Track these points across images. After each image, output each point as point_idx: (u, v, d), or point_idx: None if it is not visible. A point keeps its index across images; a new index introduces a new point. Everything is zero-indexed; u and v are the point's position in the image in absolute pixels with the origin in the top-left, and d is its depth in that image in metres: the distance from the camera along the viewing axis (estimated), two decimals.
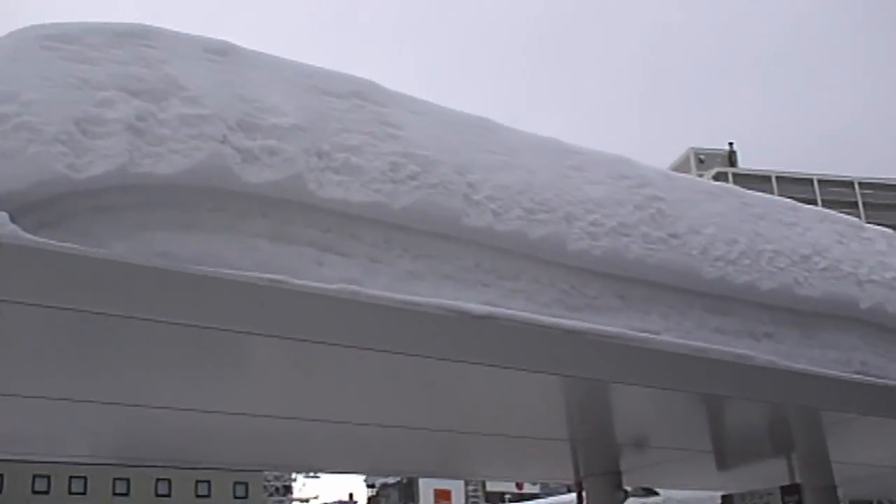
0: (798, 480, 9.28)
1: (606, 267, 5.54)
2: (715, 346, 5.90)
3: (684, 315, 5.88)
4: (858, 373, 6.76)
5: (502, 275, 5.14)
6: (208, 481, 64.53)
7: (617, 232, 5.60)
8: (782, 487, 8.66)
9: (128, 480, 61.83)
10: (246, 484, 66.40)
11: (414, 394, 6.13)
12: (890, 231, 7.80)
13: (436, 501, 59.12)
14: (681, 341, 5.72)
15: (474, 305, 4.81)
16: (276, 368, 5.40)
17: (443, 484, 59.26)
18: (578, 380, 5.60)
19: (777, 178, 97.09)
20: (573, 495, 9.40)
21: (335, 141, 4.70)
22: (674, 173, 6.57)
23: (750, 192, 7.04)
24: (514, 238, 5.15)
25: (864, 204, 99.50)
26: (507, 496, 53.83)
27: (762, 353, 6.16)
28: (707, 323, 5.98)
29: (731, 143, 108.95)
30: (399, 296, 4.60)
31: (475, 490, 62.06)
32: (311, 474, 77.73)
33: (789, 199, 7.33)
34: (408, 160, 4.90)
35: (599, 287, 5.52)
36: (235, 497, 65.85)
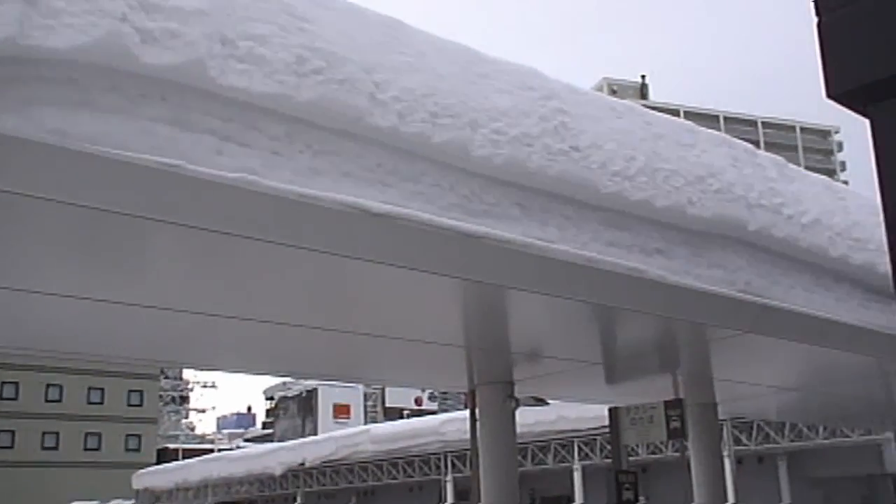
0: (681, 396, 9.69)
1: (507, 175, 5.61)
2: (608, 259, 6.07)
3: (580, 227, 6.02)
4: (742, 292, 7.05)
5: (404, 176, 5.17)
6: (102, 388, 63.68)
7: (520, 141, 5.66)
8: (666, 402, 9.05)
9: (16, 384, 60.54)
10: (141, 392, 65.77)
11: (313, 291, 6.18)
12: (781, 159, 8.06)
13: (334, 415, 59.71)
14: (576, 251, 5.87)
15: (373, 203, 4.85)
16: (174, 258, 5.38)
17: (342, 398, 59.85)
18: (475, 284, 5.72)
19: (685, 112, 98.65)
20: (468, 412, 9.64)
21: (240, 29, 4.61)
22: (580, 88, 6.64)
23: (652, 112, 7.17)
24: (417, 140, 5.17)
25: (766, 143, 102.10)
26: (406, 412, 54.64)
27: (653, 267, 6.37)
28: (602, 236, 6.13)
29: (643, 76, 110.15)
30: (299, 189, 4.61)
31: (374, 405, 62.91)
32: (209, 384, 77.56)
33: (689, 122, 7.50)
34: (314, 54, 4.85)
35: (499, 194, 5.59)
36: (129, 405, 65.20)
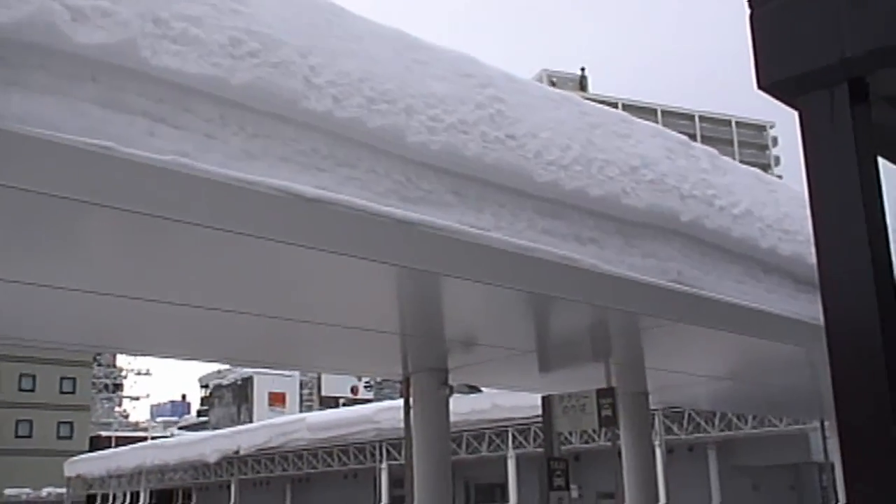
0: (614, 385, 9.81)
1: (443, 162, 5.62)
2: (542, 247, 6.12)
3: (516, 215, 6.06)
4: (674, 282, 7.16)
5: (339, 161, 5.15)
6: (33, 375, 62.50)
7: (456, 128, 5.68)
8: (598, 390, 9.15)
9: None
10: (74, 379, 64.69)
11: (246, 276, 6.12)
12: (714, 151, 8.20)
13: (270, 404, 59.32)
14: (510, 239, 5.91)
15: (307, 188, 4.82)
16: (106, 242, 5.29)
17: (277, 387, 59.48)
18: (409, 271, 5.72)
19: (623, 105, 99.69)
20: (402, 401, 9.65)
21: (175, 9, 4.55)
22: (517, 76, 6.68)
23: (588, 102, 7.24)
24: (352, 126, 5.16)
25: (703, 137, 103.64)
26: (342, 400, 54.46)
27: (586, 256, 6.44)
28: (536, 224, 6.18)
29: (582, 69, 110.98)
30: (232, 172, 4.56)
31: (310, 393, 62.62)
32: (143, 371, 76.49)
33: (625, 112, 7.58)
34: (249, 37, 4.80)
35: (435, 181, 5.60)
36: (62, 392, 64.10)
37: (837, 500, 16.39)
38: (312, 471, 34.56)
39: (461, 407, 27.08)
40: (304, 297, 6.75)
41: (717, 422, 25.37)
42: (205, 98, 4.61)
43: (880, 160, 3.34)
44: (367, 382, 58.04)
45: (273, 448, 34.48)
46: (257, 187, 4.61)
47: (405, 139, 5.39)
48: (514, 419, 26.83)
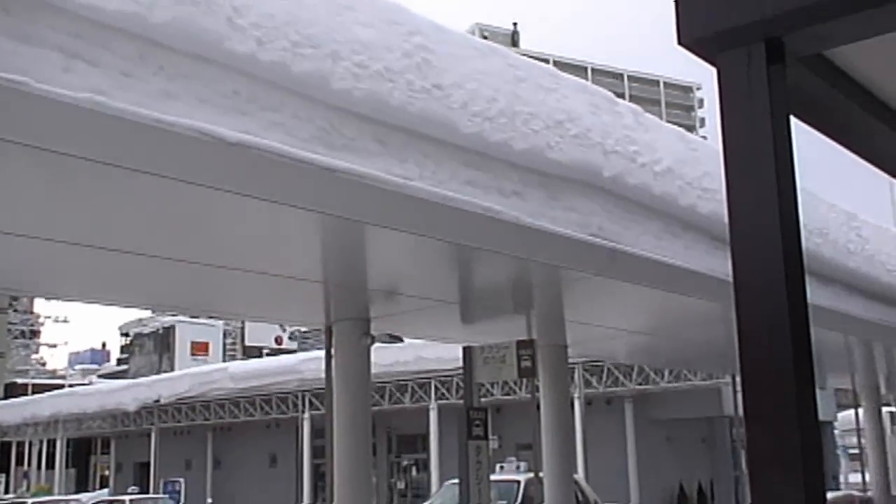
0: (534, 337, 9.96)
1: (368, 110, 5.59)
2: (466, 198, 6.15)
3: (440, 165, 6.06)
4: (595, 236, 7.26)
5: (262, 105, 5.08)
6: None
7: (382, 76, 5.64)
8: (518, 342, 9.27)
9: None
10: None
11: (167, 221, 6.04)
12: (638, 108, 8.29)
13: (192, 353, 58.72)
14: (434, 189, 5.92)
15: (229, 132, 4.76)
16: (20, 181, 5.16)
17: (200, 336, 58.89)
18: (332, 218, 5.70)
19: (554, 62, 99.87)
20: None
21: None
22: (446, 26, 6.64)
23: (515, 55, 7.24)
24: (276, 69, 5.09)
25: (631, 97, 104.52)
26: (266, 350, 54.20)
27: (509, 209, 6.48)
28: (460, 175, 6.20)
29: (514, 24, 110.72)
30: (151, 113, 4.47)
31: (233, 343, 62.15)
32: (61, 318, 74.99)
33: (551, 67, 7.61)
34: None
35: (359, 129, 5.57)
36: None
37: None
38: (234, 420, 34.46)
39: (385, 358, 27.20)
40: (226, 243, 6.69)
41: (634, 376, 25.94)
42: (123, 35, 4.50)
43: (793, 120, 3.41)
44: (291, 333, 57.85)
45: (194, 397, 34.26)
46: (176, 129, 4.54)
47: (330, 85, 5.34)
48: (437, 371, 27.07)
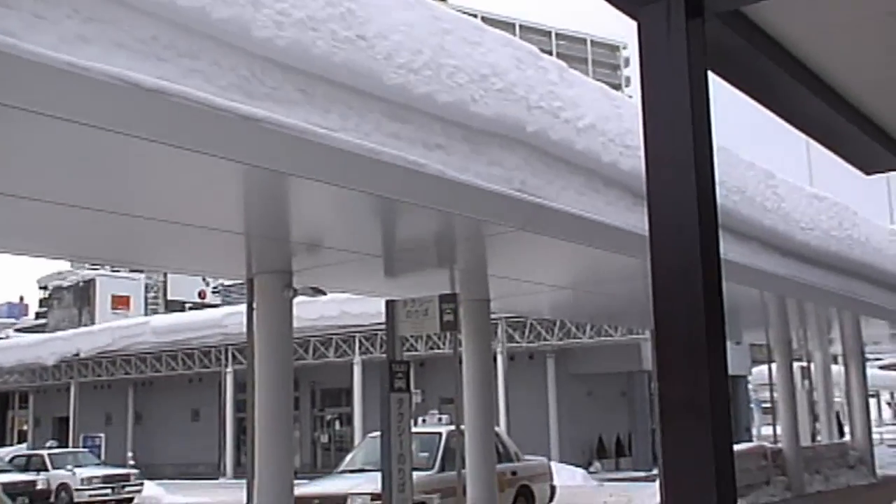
0: (457, 291, 10.02)
1: (290, 59, 5.50)
2: (389, 150, 6.12)
3: (363, 117, 6.01)
4: (518, 190, 7.30)
5: (181, 52, 4.97)
6: None
7: (305, 25, 5.55)
8: (441, 295, 9.30)
9: None
10: None
11: (84, 169, 5.90)
12: (563, 63, 8.31)
13: (113, 307, 57.71)
14: (357, 141, 5.87)
15: (146, 77, 4.64)
16: None
17: (121, 289, 57.88)
18: (252, 168, 5.63)
19: (483, 17, 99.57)
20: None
21: None
22: None
23: (441, 7, 7.18)
24: (195, 15, 4.96)
25: (558, 55, 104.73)
26: (189, 305, 53.54)
27: (433, 162, 6.47)
28: (384, 127, 6.16)
29: None
30: (64, 57, 4.34)
31: (155, 297, 61.23)
32: None
33: (477, 20, 7.57)
34: None
35: (281, 78, 5.48)
36: None
37: None
38: (156, 374, 34.11)
39: (309, 312, 27.12)
40: (146, 192, 6.56)
41: (556, 331, 26.33)
42: None
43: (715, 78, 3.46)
44: (214, 287, 57.20)
45: (115, 351, 33.80)
46: (91, 73, 4.41)
47: (251, 33, 5.24)
48: (361, 326, 27.10)
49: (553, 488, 15.66)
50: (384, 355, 18.47)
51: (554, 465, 17.64)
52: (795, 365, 22.78)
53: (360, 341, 28.87)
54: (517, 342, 26.96)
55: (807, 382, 27.11)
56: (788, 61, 4.43)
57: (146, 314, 48.11)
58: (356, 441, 24.21)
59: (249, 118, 5.15)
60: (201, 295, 57.04)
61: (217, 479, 31.13)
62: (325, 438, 34.43)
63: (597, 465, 27.62)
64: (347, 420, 31.60)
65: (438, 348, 26.51)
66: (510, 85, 7.17)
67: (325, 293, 12.43)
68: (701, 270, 3.33)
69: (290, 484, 8.57)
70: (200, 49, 5.07)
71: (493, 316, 14.46)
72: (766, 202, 11.96)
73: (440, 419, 15.01)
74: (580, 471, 24.12)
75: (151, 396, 36.46)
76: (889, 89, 5.16)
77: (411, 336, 26.56)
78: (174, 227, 7.22)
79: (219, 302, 53.08)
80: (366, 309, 24.29)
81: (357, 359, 28.99)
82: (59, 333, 39.14)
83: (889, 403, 67.95)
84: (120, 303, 58.58)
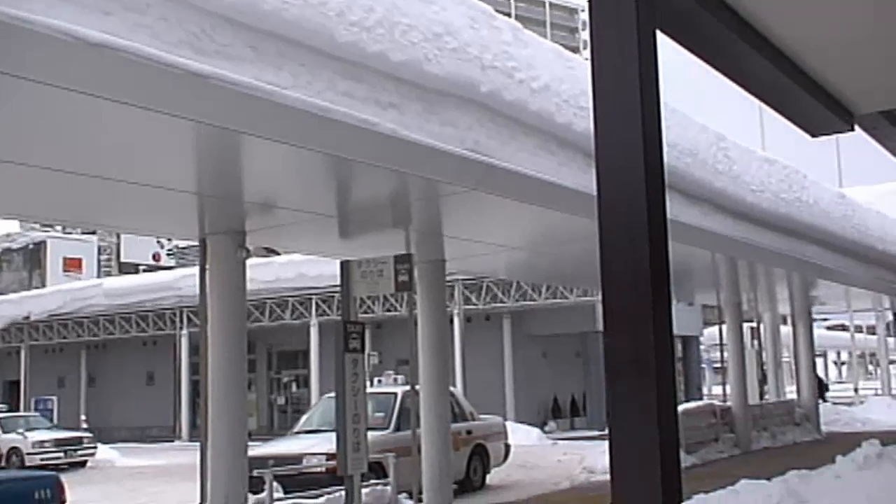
0: (412, 251, 10.02)
1: (240, 15, 5.43)
2: (342, 109, 6.08)
3: (315, 75, 5.96)
4: (471, 151, 7.30)
5: (127, 6, 4.87)
6: None
7: None
8: (396, 256, 9.30)
9: None
10: None
11: (32, 126, 5.80)
12: (517, 23, 8.29)
13: (65, 269, 56.95)
14: (309, 99, 5.83)
15: (91, 32, 4.56)
16: None
17: (73, 252, 57.12)
18: (203, 126, 5.57)
19: None
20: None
21: None
22: None
23: None
24: None
25: (517, 17, 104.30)
26: (142, 267, 53.01)
27: (386, 121, 6.44)
28: (337, 86, 6.11)
29: None
30: (7, 9, 4.25)
31: (108, 259, 60.51)
32: None
33: None
34: None
35: (231, 35, 5.41)
36: None
37: None
38: (109, 337, 33.80)
39: (265, 274, 27.00)
40: (95, 151, 6.47)
41: (512, 292, 26.49)
42: None
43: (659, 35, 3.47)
44: (169, 249, 56.67)
45: (67, 314, 33.43)
46: (35, 27, 4.32)
47: None
48: (318, 288, 27.04)
49: (508, 447, 15.84)
50: (341, 316, 18.48)
51: (509, 425, 17.82)
52: (745, 326, 23.18)
53: (316, 303, 28.83)
54: (474, 304, 27.09)
55: (756, 343, 27.63)
56: (737, 23, 4.47)
57: (99, 277, 47.58)
58: (313, 403, 24.28)
59: (199, 75, 5.08)
60: (156, 257, 56.50)
61: (172, 441, 31.05)
62: (281, 400, 34.45)
63: (552, 424, 27.96)
64: (304, 382, 31.62)
65: (395, 310, 26.57)
66: (464, 44, 7.14)
67: (278, 253, 12.40)
68: (647, 229, 3.36)
69: (244, 446, 8.58)
70: (147, 4, 4.99)
71: (449, 277, 14.52)
72: (718, 165, 12.09)
73: (396, 380, 15.09)
74: (535, 430, 24.41)
75: (105, 359, 36.17)
76: (835, 51, 5.22)
77: (368, 298, 26.62)
78: (125, 186, 7.13)
79: (173, 264, 52.63)
80: (323, 271, 24.22)
81: (314, 321, 28.96)
82: (9, 296, 38.59)
83: (835, 363, 69.47)
84: (72, 265, 57.81)
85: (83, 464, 22.80)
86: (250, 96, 5.39)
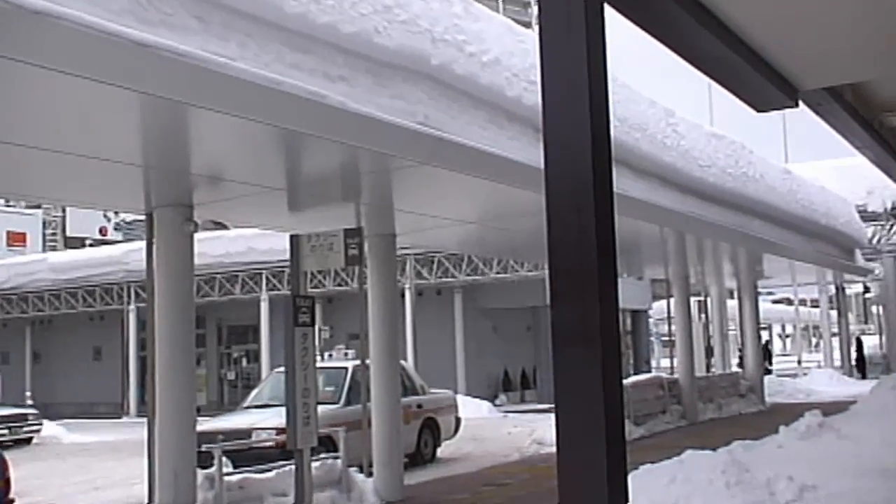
0: (362, 225, 9.98)
1: None
2: (290, 81, 6.01)
3: (263, 47, 5.89)
4: (421, 124, 7.28)
5: None
6: None
7: None
8: (345, 230, 9.25)
9: None
10: None
11: None
12: None
13: (8, 243, 55.91)
14: (257, 70, 5.76)
15: (34, 0, 4.45)
16: None
17: (17, 225, 56.09)
18: (148, 97, 5.48)
19: None
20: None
21: None
22: None
23: None
24: None
25: None
26: (89, 241, 52.23)
27: (335, 93, 6.39)
28: (285, 58, 6.05)
29: None
30: None
31: (54, 233, 59.55)
32: None
33: None
34: None
35: (177, 4, 5.32)
36: None
37: None
38: (55, 312, 33.30)
39: (215, 249, 26.77)
40: (37, 121, 6.33)
41: (464, 267, 26.56)
42: None
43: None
44: (116, 223, 55.86)
45: (11, 289, 32.87)
46: None
47: None
48: (269, 262, 26.88)
49: (458, 420, 15.93)
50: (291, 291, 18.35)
51: (460, 399, 17.92)
52: (693, 300, 23.49)
53: (267, 278, 28.66)
54: (425, 278, 27.12)
55: (703, 316, 28.02)
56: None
57: (44, 251, 46.84)
58: (263, 377, 24.18)
59: (142, 44, 4.99)
60: (102, 231, 55.66)
61: (120, 418, 30.77)
62: (231, 375, 34.27)
63: (502, 397, 28.17)
64: (255, 357, 31.47)
65: (346, 285, 26.50)
66: (414, 17, 7.10)
67: (227, 228, 12.28)
68: (593, 202, 3.39)
69: (192, 421, 8.52)
70: None
71: (400, 252, 14.50)
72: (667, 139, 12.19)
73: (346, 354, 15.07)
74: (486, 403, 24.57)
75: (51, 335, 35.65)
76: (781, 28, 5.28)
77: (319, 272, 26.51)
78: (69, 158, 6.99)
79: (120, 238, 51.93)
80: (273, 245, 24.07)
81: (264, 295, 28.79)
82: None
83: (780, 336, 70.76)
84: (16, 239, 56.77)
85: (28, 441, 22.50)
86: (196, 67, 5.31)
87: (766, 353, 33.98)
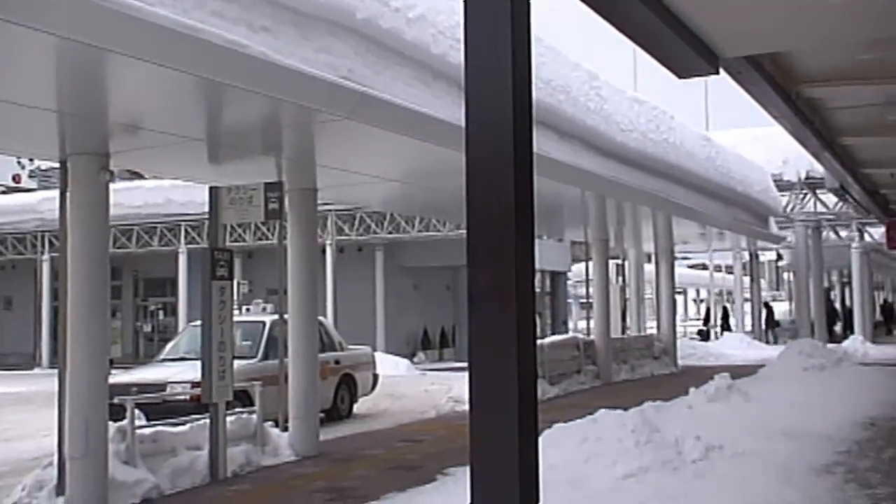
0: (283, 179, 9.86)
1: None
2: (210, 29, 5.88)
3: None
4: (345, 78, 7.19)
5: None
6: None
7: None
8: (266, 183, 9.14)
9: None
10: None
11: None
12: None
13: None
14: (176, 17, 5.61)
15: None
16: None
17: None
18: (62, 40, 5.30)
19: None
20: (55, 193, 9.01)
21: None
22: None
23: None
24: None
25: None
26: (1, 189, 50.66)
27: (256, 44, 6.27)
28: (206, 5, 5.90)
29: None
30: None
31: None
32: None
33: None
34: None
35: None
36: None
37: None
38: None
39: (133, 199, 26.22)
40: None
41: (386, 224, 26.51)
42: None
43: None
44: (31, 171, 54.27)
45: None
46: None
47: None
48: (188, 214, 26.44)
49: (376, 377, 15.98)
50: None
51: (379, 356, 17.96)
52: (611, 263, 23.85)
53: (185, 230, 28.22)
54: (347, 234, 27.01)
55: (620, 279, 28.50)
56: None
57: None
58: (180, 331, 23.88)
59: None
60: (16, 179, 54.00)
61: (32, 368, 30.13)
62: (148, 328, 33.80)
63: (421, 355, 28.32)
64: (172, 310, 31.05)
65: (267, 239, 26.25)
66: None
67: (144, 177, 12.02)
68: (513, 162, 3.41)
69: (105, 372, 8.37)
70: None
71: (322, 207, 14.38)
72: (590, 103, 12.28)
73: (265, 308, 14.96)
74: (405, 361, 24.69)
75: None
76: None
77: (240, 226, 26.19)
78: None
79: (35, 186, 50.51)
80: (193, 197, 23.67)
81: (182, 248, 28.36)
82: None
83: (695, 300, 72.39)
84: None
85: None
86: (112, 11, 5.14)
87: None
